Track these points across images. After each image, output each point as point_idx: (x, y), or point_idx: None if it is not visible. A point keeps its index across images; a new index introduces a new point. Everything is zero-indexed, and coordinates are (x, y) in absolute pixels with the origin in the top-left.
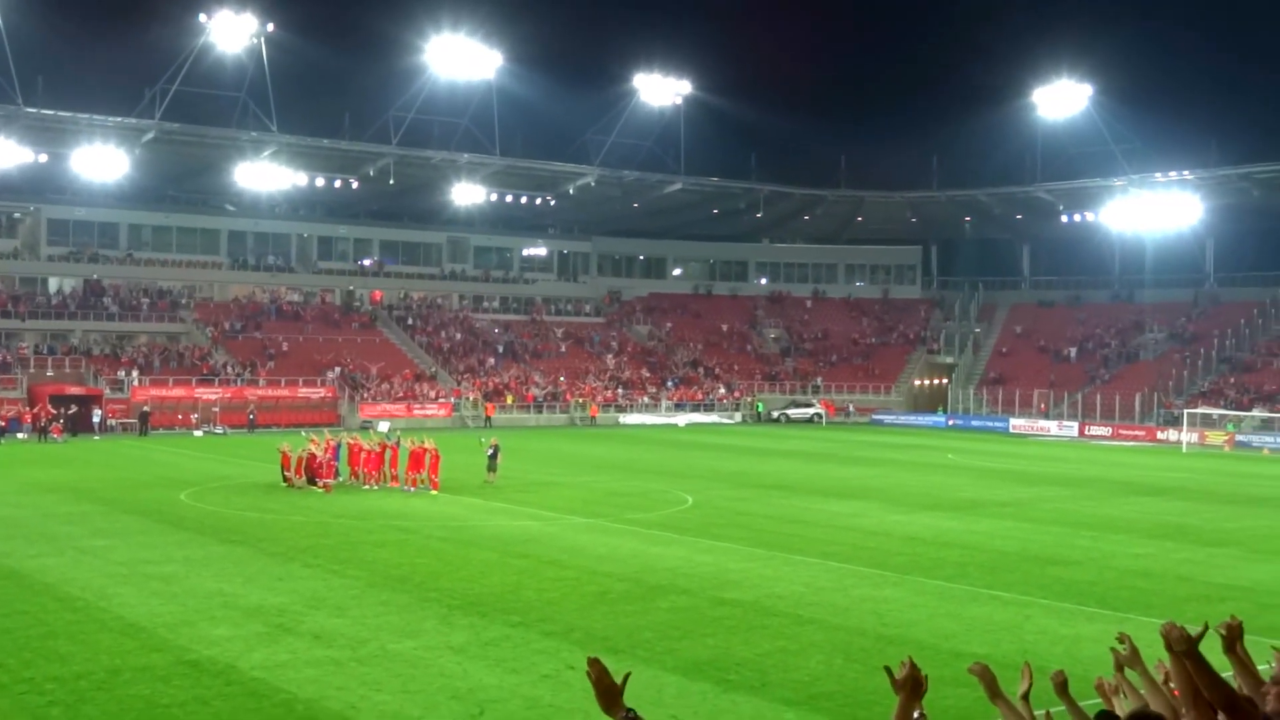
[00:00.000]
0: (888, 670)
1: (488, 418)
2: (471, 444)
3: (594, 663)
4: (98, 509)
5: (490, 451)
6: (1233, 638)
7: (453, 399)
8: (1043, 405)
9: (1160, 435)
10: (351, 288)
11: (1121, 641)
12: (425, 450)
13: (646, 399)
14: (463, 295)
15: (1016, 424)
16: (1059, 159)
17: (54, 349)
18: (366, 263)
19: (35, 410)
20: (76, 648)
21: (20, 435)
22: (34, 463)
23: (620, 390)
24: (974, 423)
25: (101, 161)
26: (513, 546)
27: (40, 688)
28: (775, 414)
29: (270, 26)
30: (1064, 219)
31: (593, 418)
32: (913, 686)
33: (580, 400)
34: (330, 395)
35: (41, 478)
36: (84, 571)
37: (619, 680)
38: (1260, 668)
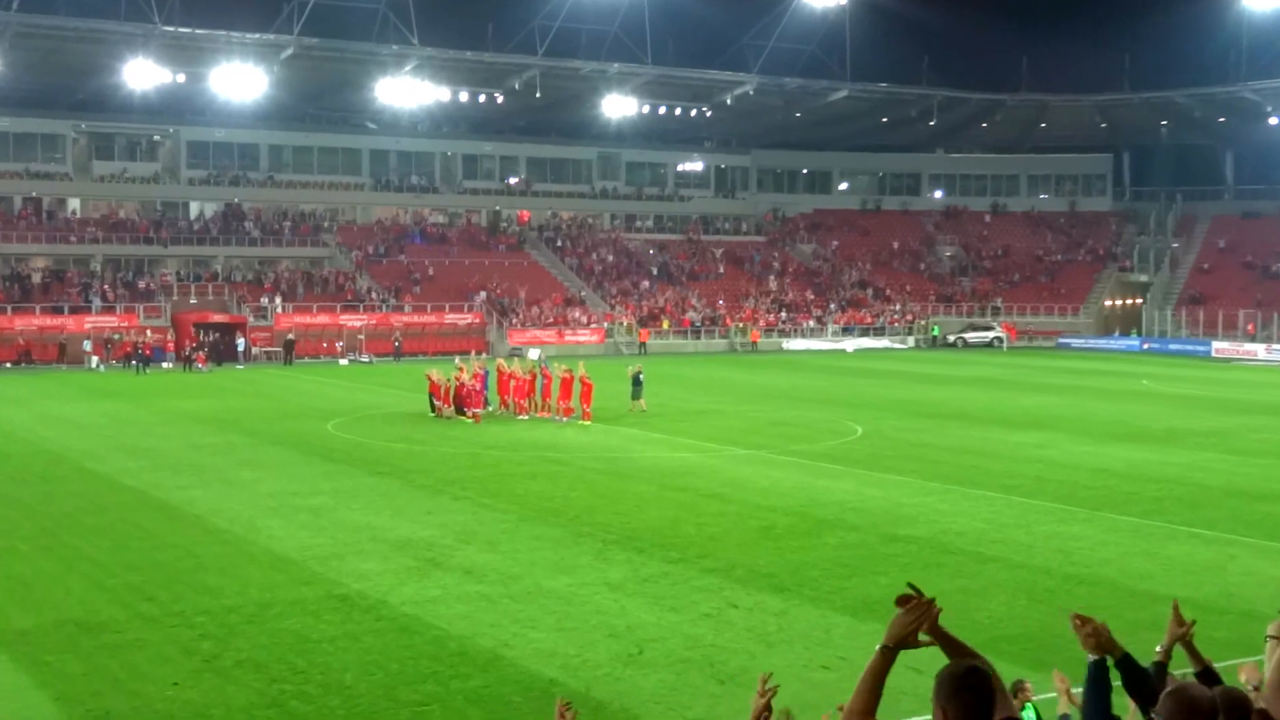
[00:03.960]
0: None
1: (642, 344)
2: (624, 371)
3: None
4: (244, 440)
5: (633, 377)
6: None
7: (605, 324)
8: (1249, 326)
9: None
10: (498, 208)
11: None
12: (577, 378)
13: (811, 323)
14: (614, 214)
15: (1219, 347)
16: (1267, 55)
17: (197, 275)
18: (513, 181)
19: (179, 339)
20: (226, 580)
21: (165, 365)
22: (179, 393)
23: (783, 314)
24: (1171, 346)
25: (240, 80)
26: (671, 479)
27: (190, 621)
28: (951, 338)
29: None
30: (1272, 121)
31: (753, 343)
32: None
33: (740, 325)
34: (477, 321)
35: (187, 408)
36: (232, 503)
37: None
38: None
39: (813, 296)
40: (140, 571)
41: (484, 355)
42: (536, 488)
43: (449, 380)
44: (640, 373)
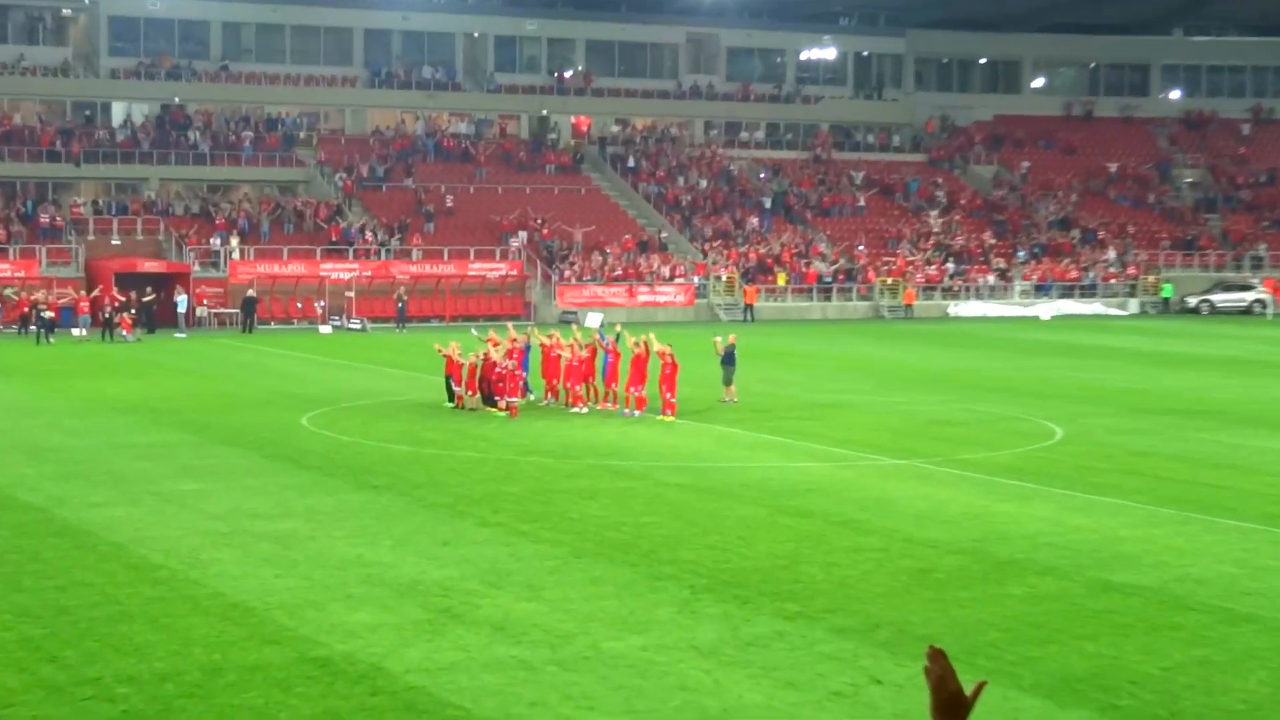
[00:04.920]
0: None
1: (748, 306)
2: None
3: (936, 656)
4: (186, 438)
5: (724, 353)
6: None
7: (695, 279)
8: None
9: None
10: (545, 112)
11: None
12: (654, 355)
13: (990, 278)
14: (710, 122)
15: None
16: None
17: (121, 207)
18: (567, 75)
19: (96, 295)
20: (159, 636)
21: (77, 331)
22: (97, 370)
23: (950, 265)
24: None
25: None
26: (787, 499)
27: (110, 692)
28: (1192, 301)
29: None
30: None
31: (907, 306)
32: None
33: (888, 281)
34: (515, 274)
35: (107, 392)
36: (169, 528)
37: (969, 690)
38: None
39: (993, 241)
40: (40, 622)
41: (524, 322)
42: (596, 510)
43: (474, 357)
44: (733, 346)
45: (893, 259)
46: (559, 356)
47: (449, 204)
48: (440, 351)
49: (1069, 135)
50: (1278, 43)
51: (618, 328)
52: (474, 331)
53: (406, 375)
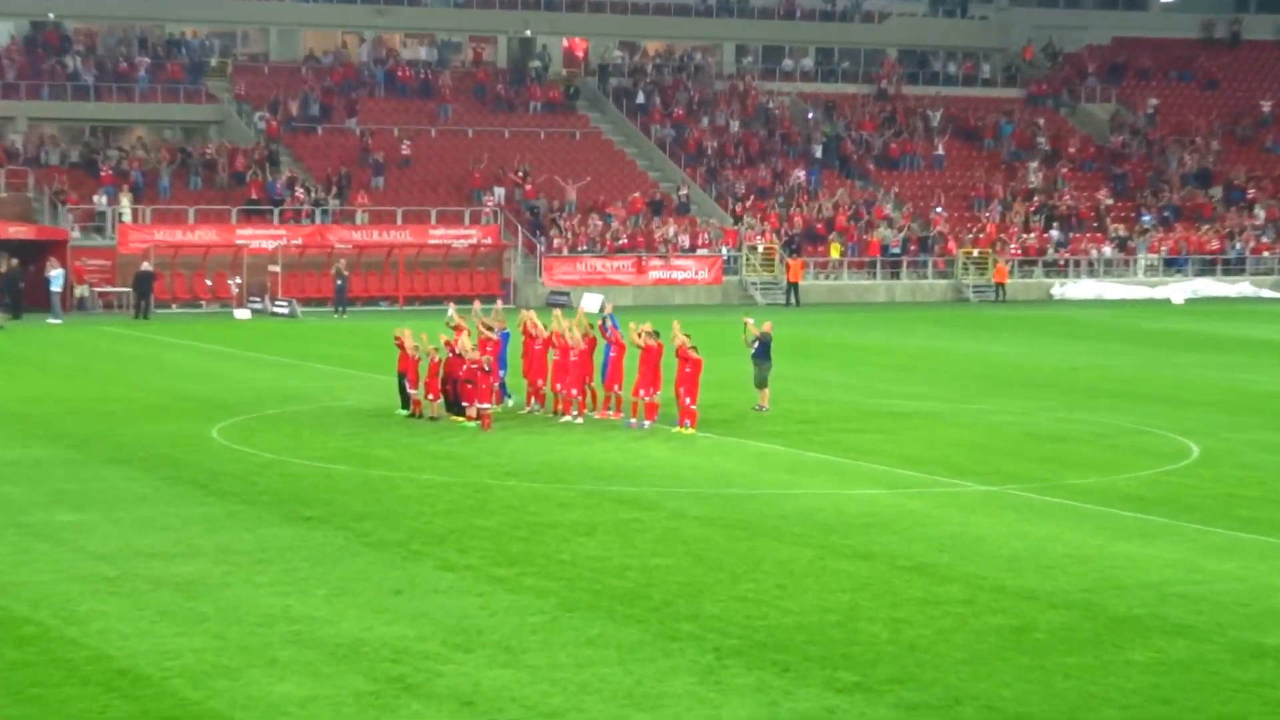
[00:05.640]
0: None
1: (791, 286)
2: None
3: None
4: (61, 455)
5: (756, 343)
6: None
7: (723, 250)
8: None
9: None
10: (528, 33)
11: None
12: (671, 349)
13: (1107, 250)
14: (744, 47)
15: None
16: None
17: None
18: None
19: None
20: (25, 712)
21: None
22: None
23: (1053, 232)
24: None
25: None
26: (841, 537)
27: None
28: None
29: None
30: None
31: (998, 286)
32: None
33: (974, 253)
34: (490, 242)
35: None
36: (37, 571)
37: None
38: None
39: (1110, 201)
40: None
41: (500, 304)
42: (594, 550)
43: (434, 350)
44: (768, 336)
45: (980, 225)
46: (548, 348)
47: (404, 152)
48: (399, 340)
49: (1209, 64)
50: None
51: (610, 309)
52: (451, 311)
53: (348, 374)
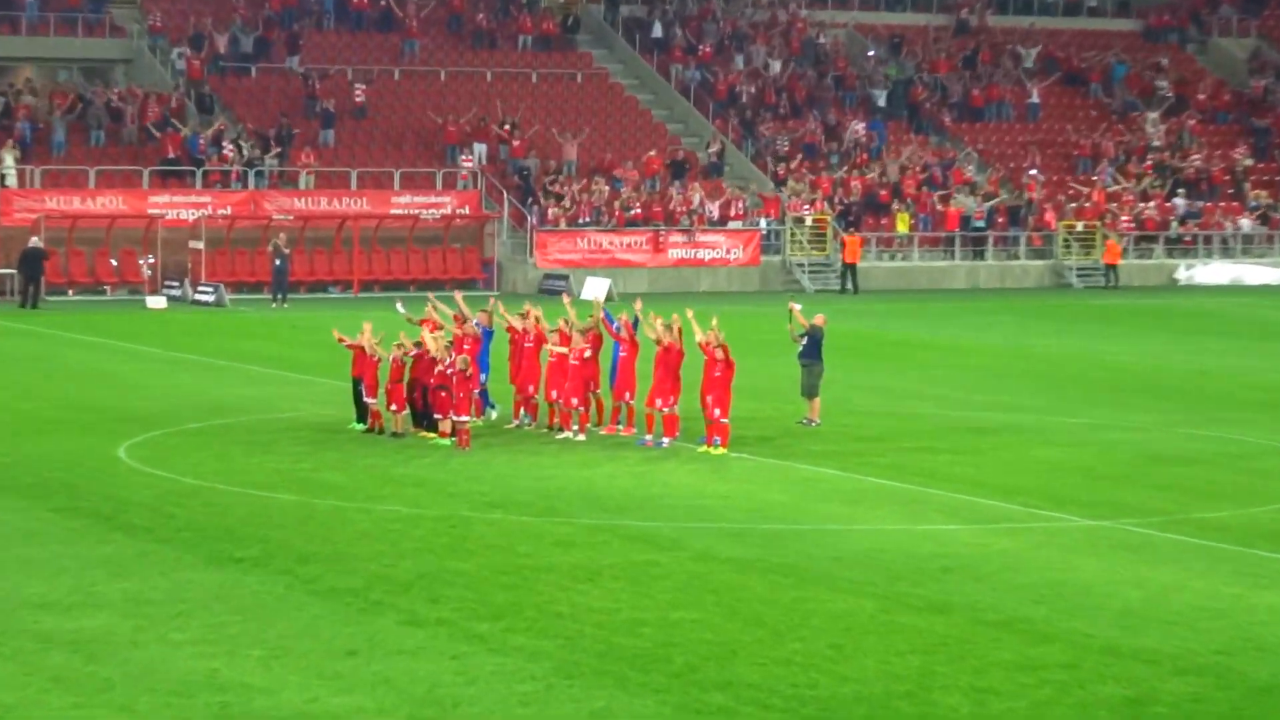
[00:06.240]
0: None
1: (848, 268)
2: (788, 328)
3: None
4: None
5: (803, 340)
6: None
7: (762, 222)
8: None
9: None
10: None
11: None
12: (696, 347)
13: (1245, 222)
14: None
15: None
16: None
17: None
18: None
19: None
20: None
21: None
22: None
23: (1178, 200)
24: None
25: None
26: (910, 584)
27: None
28: None
29: None
30: None
31: (1109, 268)
32: None
33: (1077, 226)
34: (468, 212)
35: None
36: None
37: None
38: None
39: (1249, 162)
40: None
41: (480, 292)
42: (599, 600)
43: (398, 350)
44: (819, 331)
45: (1085, 192)
46: (539, 346)
47: (358, 99)
48: (344, 342)
49: None
50: None
51: (638, 305)
52: (400, 308)
53: (290, 378)
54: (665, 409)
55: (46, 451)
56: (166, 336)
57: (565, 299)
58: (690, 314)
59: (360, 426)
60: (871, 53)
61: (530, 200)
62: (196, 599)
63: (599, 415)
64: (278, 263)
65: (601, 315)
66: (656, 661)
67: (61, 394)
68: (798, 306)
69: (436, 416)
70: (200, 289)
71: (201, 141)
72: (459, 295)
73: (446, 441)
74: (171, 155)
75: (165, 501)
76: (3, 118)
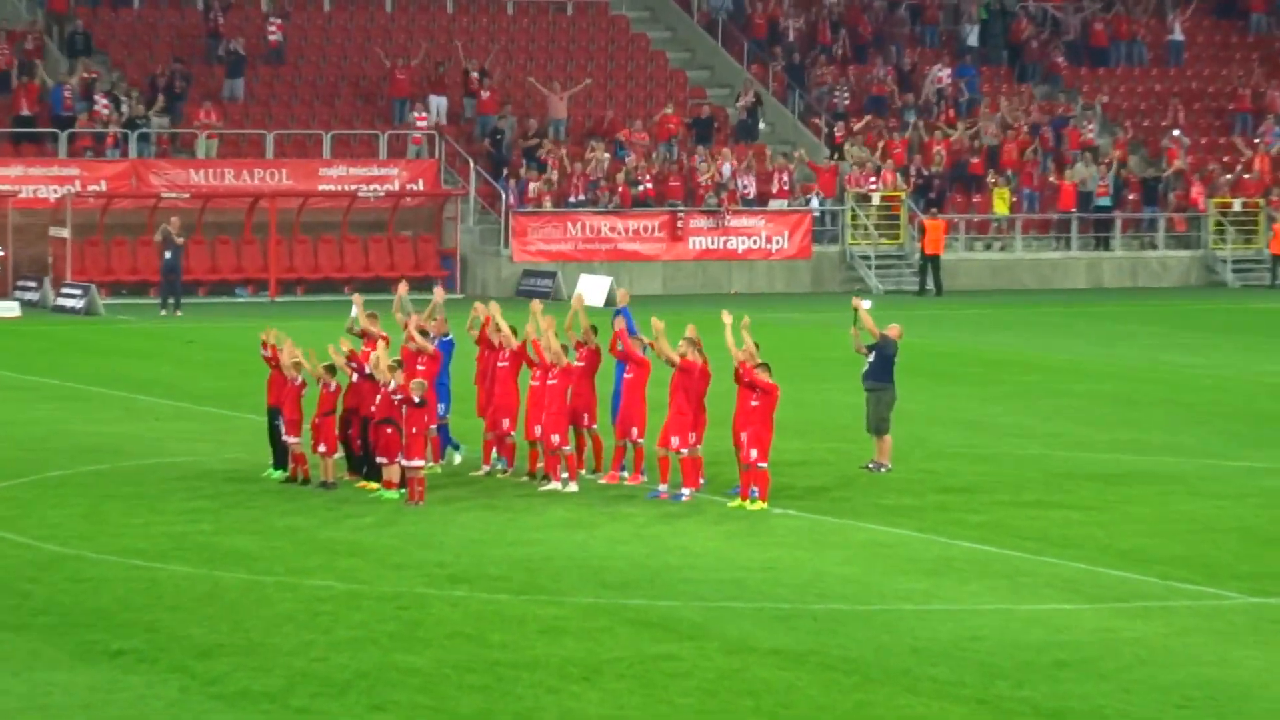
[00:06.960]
0: None
1: (928, 260)
2: (849, 337)
3: None
4: None
5: (871, 354)
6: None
7: (813, 200)
8: None
9: None
10: None
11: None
12: (736, 371)
13: None
14: None
15: None
16: None
17: None
18: None
19: None
20: None
21: None
22: None
23: None
24: None
25: None
26: (1011, 684)
27: None
28: None
29: None
30: None
31: (1275, 259)
32: None
33: (1233, 205)
34: (423, 188)
35: None
36: None
37: None
38: None
39: None
40: None
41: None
42: (600, 705)
43: (326, 370)
44: (890, 345)
45: (1246, 159)
46: (517, 363)
47: (273, 37)
48: (270, 353)
49: None
50: None
51: (658, 326)
52: (355, 309)
53: (186, 409)
54: (685, 450)
55: None
56: (20, 354)
57: (535, 306)
58: (727, 319)
59: (279, 474)
60: None
61: (505, 173)
62: (61, 705)
63: (596, 458)
64: (168, 256)
65: (623, 325)
66: None
67: None
68: (866, 304)
69: (381, 461)
70: (65, 291)
71: (67, 94)
72: (440, 292)
73: (394, 494)
74: (26, 112)
75: (18, 576)
76: None
